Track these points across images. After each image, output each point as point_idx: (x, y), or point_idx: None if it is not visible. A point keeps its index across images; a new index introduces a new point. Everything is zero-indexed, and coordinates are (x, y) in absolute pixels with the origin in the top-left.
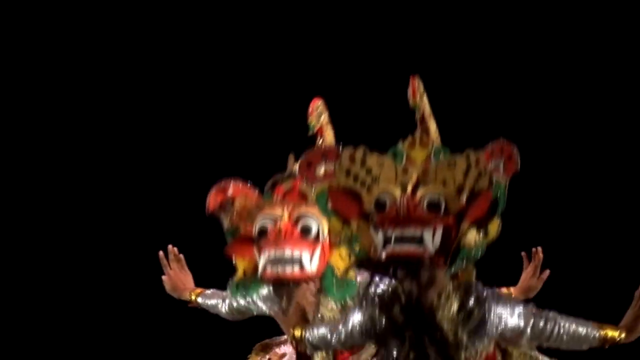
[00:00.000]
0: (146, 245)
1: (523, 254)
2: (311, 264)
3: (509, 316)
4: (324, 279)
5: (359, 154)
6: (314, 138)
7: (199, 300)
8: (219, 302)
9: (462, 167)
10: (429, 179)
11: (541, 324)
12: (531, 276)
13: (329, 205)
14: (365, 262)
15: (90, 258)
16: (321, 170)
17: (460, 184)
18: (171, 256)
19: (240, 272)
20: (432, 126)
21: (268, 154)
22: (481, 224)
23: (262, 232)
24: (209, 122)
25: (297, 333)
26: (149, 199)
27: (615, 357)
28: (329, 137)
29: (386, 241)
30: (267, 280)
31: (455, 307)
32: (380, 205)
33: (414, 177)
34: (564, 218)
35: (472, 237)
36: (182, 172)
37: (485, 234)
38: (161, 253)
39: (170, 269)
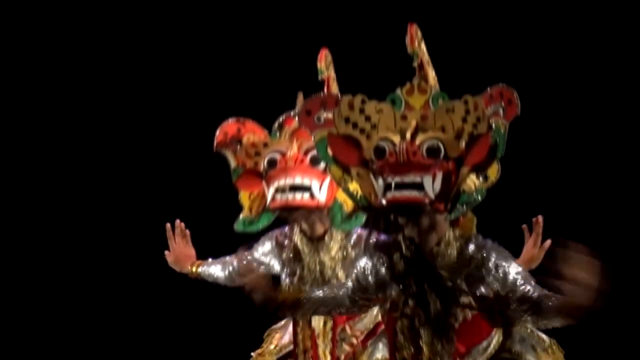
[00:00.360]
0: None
1: (524, 226)
2: (320, 192)
3: (507, 268)
4: (331, 210)
5: (358, 101)
6: (322, 83)
7: (200, 270)
8: (219, 267)
9: (461, 112)
10: (427, 125)
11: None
12: (532, 246)
13: (329, 152)
14: (367, 208)
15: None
16: (321, 118)
17: (459, 129)
18: (177, 230)
19: (246, 209)
20: (431, 73)
21: (277, 94)
22: (481, 169)
23: (272, 163)
24: (220, 62)
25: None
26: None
27: (615, 357)
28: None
29: (387, 188)
30: (275, 209)
31: (454, 253)
32: (379, 151)
33: (412, 124)
34: (567, 188)
35: (472, 182)
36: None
37: (485, 178)
38: (168, 225)
39: (175, 243)
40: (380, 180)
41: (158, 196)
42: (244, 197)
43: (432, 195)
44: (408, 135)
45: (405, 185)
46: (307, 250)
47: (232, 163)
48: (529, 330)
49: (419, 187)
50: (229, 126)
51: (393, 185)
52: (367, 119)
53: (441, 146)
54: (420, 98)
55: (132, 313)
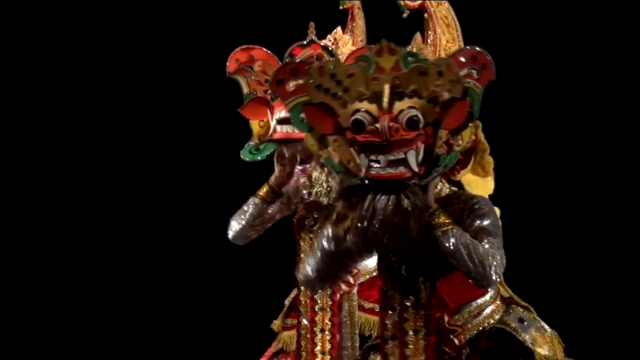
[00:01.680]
0: None
1: None
2: None
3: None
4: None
5: (328, 66)
6: (345, 13)
7: None
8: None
9: (434, 75)
10: (400, 87)
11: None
12: None
13: (305, 120)
14: (346, 175)
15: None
16: (291, 85)
17: (433, 92)
18: None
19: (255, 136)
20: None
21: (290, 24)
22: (457, 131)
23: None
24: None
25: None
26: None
27: (615, 357)
28: (360, 21)
29: (369, 164)
30: (277, 140)
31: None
32: (358, 125)
33: (385, 88)
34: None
35: (445, 144)
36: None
37: (459, 141)
38: None
39: None
40: (363, 156)
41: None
42: (255, 124)
43: (416, 169)
44: (385, 104)
45: (389, 162)
46: (318, 175)
47: (245, 89)
48: (532, 316)
49: (403, 162)
50: (240, 53)
51: (376, 163)
52: (339, 83)
53: (420, 116)
54: (390, 59)
55: (132, 313)
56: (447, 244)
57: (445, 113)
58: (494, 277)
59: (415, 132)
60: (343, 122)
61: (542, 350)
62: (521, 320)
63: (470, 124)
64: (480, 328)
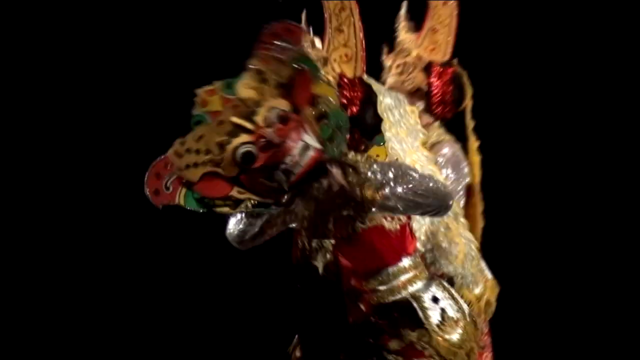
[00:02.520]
0: None
1: None
2: None
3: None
4: None
5: (179, 147)
6: None
7: None
8: None
9: (256, 78)
10: (245, 108)
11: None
12: None
13: (203, 199)
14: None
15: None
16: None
17: (275, 81)
18: None
19: None
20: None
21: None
22: (314, 101)
23: None
24: None
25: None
26: None
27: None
28: None
29: (286, 174)
30: None
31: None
32: (247, 158)
33: (235, 119)
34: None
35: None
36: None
37: (328, 103)
38: None
39: None
40: (277, 173)
41: None
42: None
43: (318, 144)
44: (259, 120)
45: (297, 159)
46: None
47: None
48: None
49: (308, 148)
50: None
51: (289, 167)
52: (198, 151)
53: (284, 107)
54: (215, 99)
55: (134, 313)
56: (392, 209)
57: (293, 93)
58: (448, 196)
59: (291, 121)
60: (229, 171)
61: (446, 335)
62: (435, 299)
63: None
64: (391, 298)
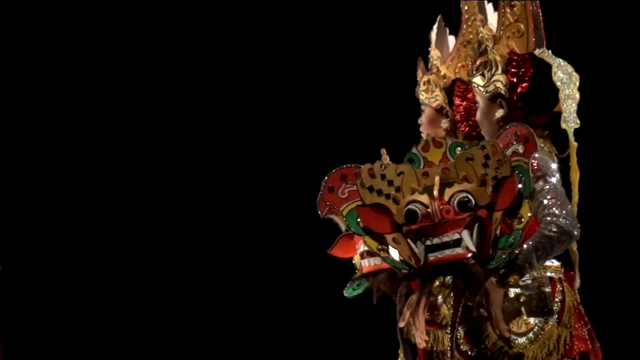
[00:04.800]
0: None
1: None
2: None
3: None
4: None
5: (377, 167)
6: None
7: None
8: None
9: (481, 159)
10: (450, 177)
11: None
12: None
13: (361, 224)
14: (409, 272)
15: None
16: (345, 192)
17: (483, 175)
18: None
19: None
20: None
21: None
22: (512, 211)
23: None
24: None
25: None
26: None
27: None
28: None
29: (427, 250)
30: (365, 275)
31: None
32: (411, 216)
33: (436, 180)
34: None
35: (503, 226)
36: None
37: (519, 220)
38: None
39: None
40: (419, 244)
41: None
42: (357, 259)
43: (473, 248)
44: (435, 193)
45: (445, 244)
46: None
47: (343, 226)
48: None
49: (459, 243)
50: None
51: (433, 246)
52: (390, 183)
53: (471, 197)
54: (437, 152)
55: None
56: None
57: (497, 194)
58: (573, 233)
59: (467, 213)
60: (398, 218)
61: None
62: None
63: (526, 200)
64: None
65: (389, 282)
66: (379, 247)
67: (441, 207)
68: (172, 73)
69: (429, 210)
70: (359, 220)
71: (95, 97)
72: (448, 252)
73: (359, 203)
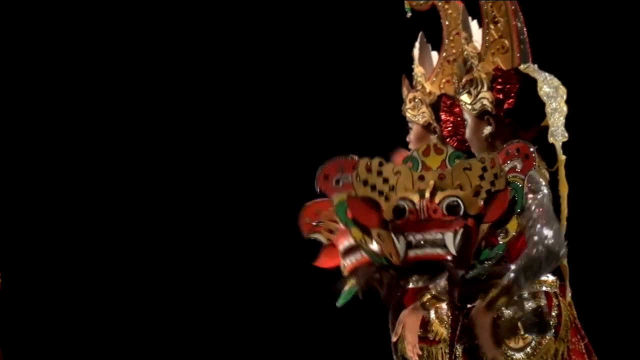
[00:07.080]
0: None
1: None
2: None
3: None
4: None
5: (375, 164)
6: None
7: None
8: None
9: (478, 170)
10: (445, 183)
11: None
12: None
13: (349, 214)
14: (387, 267)
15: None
16: (339, 181)
17: (477, 186)
18: None
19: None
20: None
21: None
22: (500, 225)
23: None
24: None
25: None
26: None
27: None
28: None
29: (408, 246)
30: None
31: None
32: (399, 211)
33: (430, 184)
34: None
35: (488, 238)
36: None
37: (505, 234)
38: None
39: None
40: (402, 239)
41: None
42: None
43: (453, 251)
44: (427, 194)
45: (426, 242)
46: None
47: (325, 241)
48: None
49: (441, 244)
50: (308, 213)
51: (414, 243)
52: (385, 181)
53: (460, 203)
54: (437, 158)
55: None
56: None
57: (488, 206)
58: (560, 252)
59: (454, 217)
60: (386, 215)
61: None
62: None
63: (515, 216)
64: None
65: (372, 273)
66: (362, 238)
67: (429, 206)
68: (170, 73)
69: (416, 207)
70: (345, 209)
71: (95, 97)
72: (428, 251)
73: (351, 194)
